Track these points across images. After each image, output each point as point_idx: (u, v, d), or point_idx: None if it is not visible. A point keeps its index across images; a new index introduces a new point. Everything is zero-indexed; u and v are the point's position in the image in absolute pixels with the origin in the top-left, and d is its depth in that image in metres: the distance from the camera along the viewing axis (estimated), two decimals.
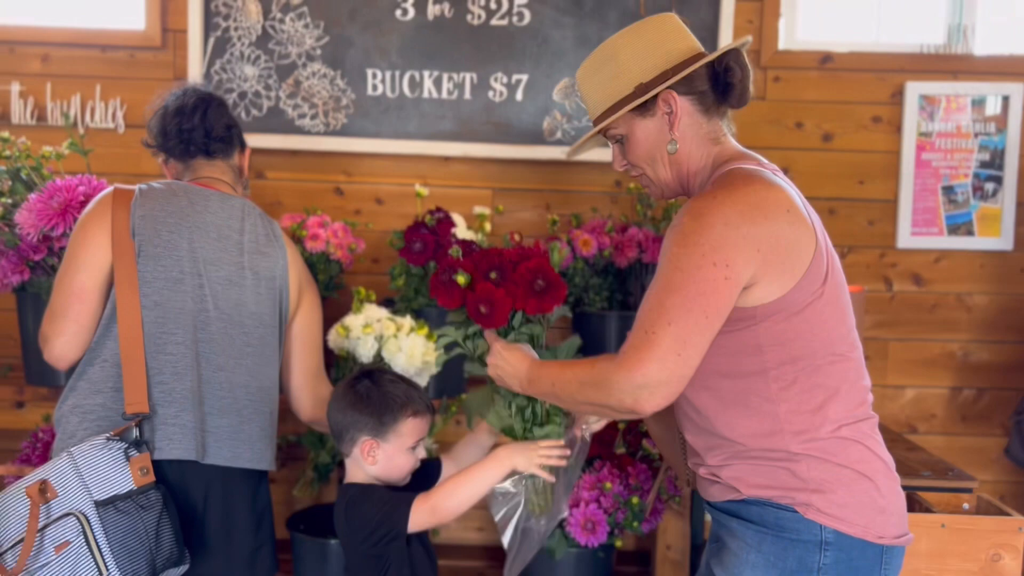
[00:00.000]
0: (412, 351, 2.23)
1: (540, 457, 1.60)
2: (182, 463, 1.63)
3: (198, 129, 1.85)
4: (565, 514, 1.73)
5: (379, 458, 1.63)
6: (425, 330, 2.32)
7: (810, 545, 1.28)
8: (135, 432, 1.57)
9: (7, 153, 2.27)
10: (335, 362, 2.30)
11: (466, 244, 2.54)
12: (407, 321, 2.26)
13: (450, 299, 1.61)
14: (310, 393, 1.91)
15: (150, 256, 1.66)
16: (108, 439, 1.54)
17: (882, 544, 1.30)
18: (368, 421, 1.62)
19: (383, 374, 1.69)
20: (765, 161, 1.42)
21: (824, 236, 1.36)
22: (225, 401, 1.69)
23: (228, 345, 1.71)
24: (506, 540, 1.67)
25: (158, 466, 1.59)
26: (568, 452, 1.64)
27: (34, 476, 1.51)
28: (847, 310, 1.36)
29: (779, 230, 1.27)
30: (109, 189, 1.76)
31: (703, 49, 1.46)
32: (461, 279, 1.58)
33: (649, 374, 1.22)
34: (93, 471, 1.50)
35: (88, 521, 1.46)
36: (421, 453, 1.67)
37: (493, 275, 1.58)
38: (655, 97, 1.41)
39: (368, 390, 1.64)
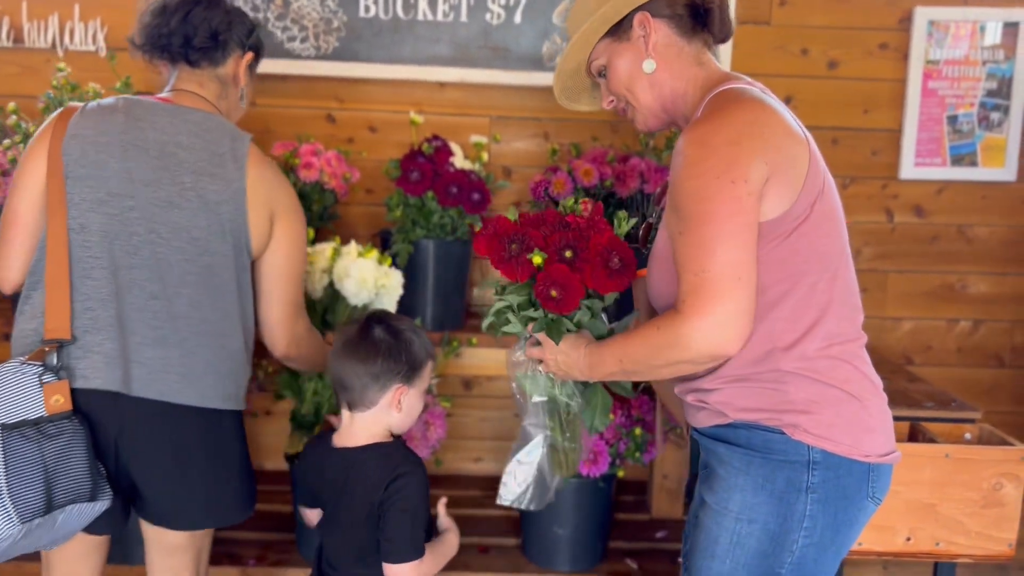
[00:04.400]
0: (363, 276, 2.15)
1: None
2: (113, 395, 1.55)
3: (176, 34, 1.69)
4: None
5: (404, 405, 1.63)
6: (374, 252, 2.22)
7: (798, 465, 1.29)
8: (54, 358, 1.52)
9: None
10: None
11: (464, 174, 2.49)
12: (352, 247, 2.21)
13: (518, 273, 1.49)
14: (287, 329, 1.78)
15: (77, 177, 1.58)
16: (22, 363, 1.50)
17: (868, 462, 1.31)
18: (401, 368, 1.61)
19: (389, 317, 1.67)
20: (752, 81, 1.41)
21: (817, 152, 1.35)
22: (161, 331, 1.59)
23: (164, 272, 1.60)
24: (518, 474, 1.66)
25: (85, 395, 1.54)
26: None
27: None
28: (842, 226, 1.37)
29: (779, 143, 1.27)
30: (60, 109, 1.68)
31: None
32: (537, 259, 1.47)
33: (717, 312, 1.20)
34: (4, 394, 1.47)
35: None
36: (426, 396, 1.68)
37: (568, 254, 1.46)
38: (630, 22, 1.40)
39: (392, 336, 1.62)
